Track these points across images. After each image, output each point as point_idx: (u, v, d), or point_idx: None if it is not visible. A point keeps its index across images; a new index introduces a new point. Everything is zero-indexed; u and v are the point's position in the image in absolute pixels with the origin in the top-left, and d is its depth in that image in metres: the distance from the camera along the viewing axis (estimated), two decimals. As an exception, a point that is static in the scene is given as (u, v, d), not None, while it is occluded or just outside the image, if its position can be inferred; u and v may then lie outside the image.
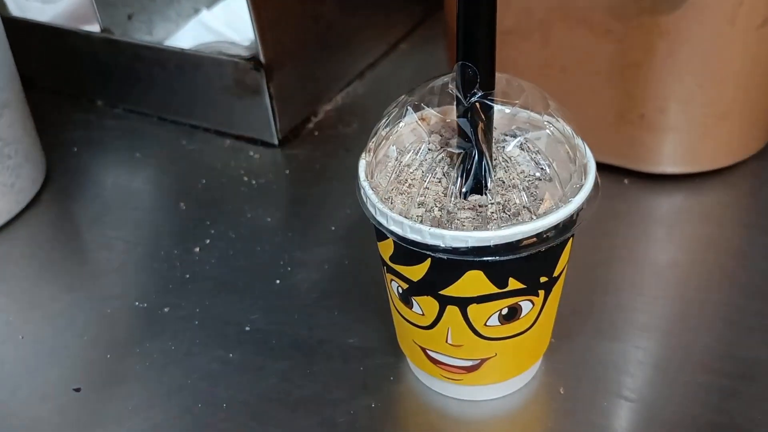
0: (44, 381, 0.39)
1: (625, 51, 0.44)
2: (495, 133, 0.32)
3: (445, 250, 0.29)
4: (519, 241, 0.28)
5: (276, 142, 0.56)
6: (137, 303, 0.43)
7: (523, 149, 0.32)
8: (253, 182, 0.52)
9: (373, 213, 0.31)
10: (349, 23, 0.60)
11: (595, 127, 0.46)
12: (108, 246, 0.48)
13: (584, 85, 0.46)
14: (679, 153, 0.47)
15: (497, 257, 0.28)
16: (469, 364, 0.33)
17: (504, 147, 0.32)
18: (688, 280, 0.42)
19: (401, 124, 0.34)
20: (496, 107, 0.30)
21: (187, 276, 0.44)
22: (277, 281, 0.43)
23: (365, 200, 0.31)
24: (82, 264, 0.47)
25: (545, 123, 0.32)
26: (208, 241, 0.47)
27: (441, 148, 0.32)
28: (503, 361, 0.33)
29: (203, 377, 0.38)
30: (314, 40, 0.57)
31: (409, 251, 0.30)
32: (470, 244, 0.28)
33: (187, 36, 0.64)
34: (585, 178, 0.31)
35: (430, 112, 0.33)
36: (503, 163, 0.31)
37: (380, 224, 0.30)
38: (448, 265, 0.29)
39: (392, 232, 0.30)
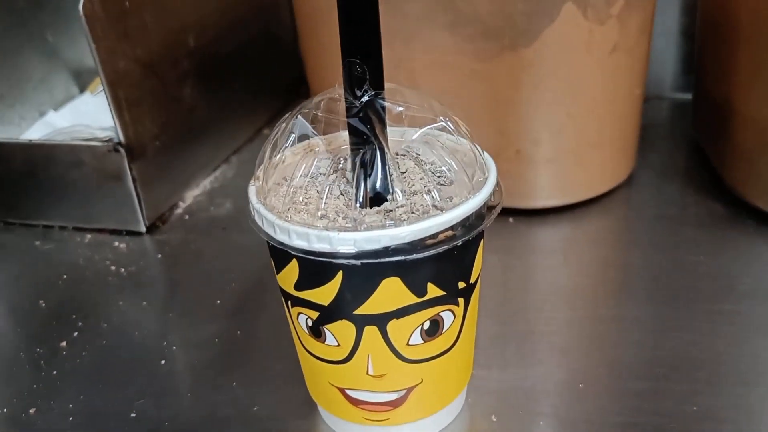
0: None
1: (494, 89, 0.45)
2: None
3: (357, 256, 0.26)
4: (435, 235, 0.27)
5: (143, 229, 0.52)
6: (-5, 410, 0.36)
7: (417, 163, 0.31)
8: (122, 270, 0.48)
9: (273, 233, 0.28)
10: (212, 107, 0.59)
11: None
12: (-47, 358, 0.41)
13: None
14: (556, 185, 0.48)
15: (414, 255, 0.26)
16: (394, 397, 0.30)
17: (398, 163, 0.30)
18: (593, 299, 0.42)
19: (287, 153, 0.32)
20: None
21: (55, 373, 0.39)
22: (163, 362, 0.39)
23: (261, 223, 0.28)
24: None
25: (437, 130, 0.31)
26: (76, 334, 0.42)
27: (331, 171, 0.30)
28: (430, 389, 0.31)
29: (86, 474, 0.32)
30: (176, 123, 0.55)
31: (316, 268, 0.27)
32: (384, 244, 0.26)
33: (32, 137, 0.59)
34: (488, 173, 0.30)
35: (316, 140, 0.32)
36: (401, 176, 0.30)
37: (282, 244, 0.27)
38: (362, 274, 0.27)
39: (297, 249, 0.27)
